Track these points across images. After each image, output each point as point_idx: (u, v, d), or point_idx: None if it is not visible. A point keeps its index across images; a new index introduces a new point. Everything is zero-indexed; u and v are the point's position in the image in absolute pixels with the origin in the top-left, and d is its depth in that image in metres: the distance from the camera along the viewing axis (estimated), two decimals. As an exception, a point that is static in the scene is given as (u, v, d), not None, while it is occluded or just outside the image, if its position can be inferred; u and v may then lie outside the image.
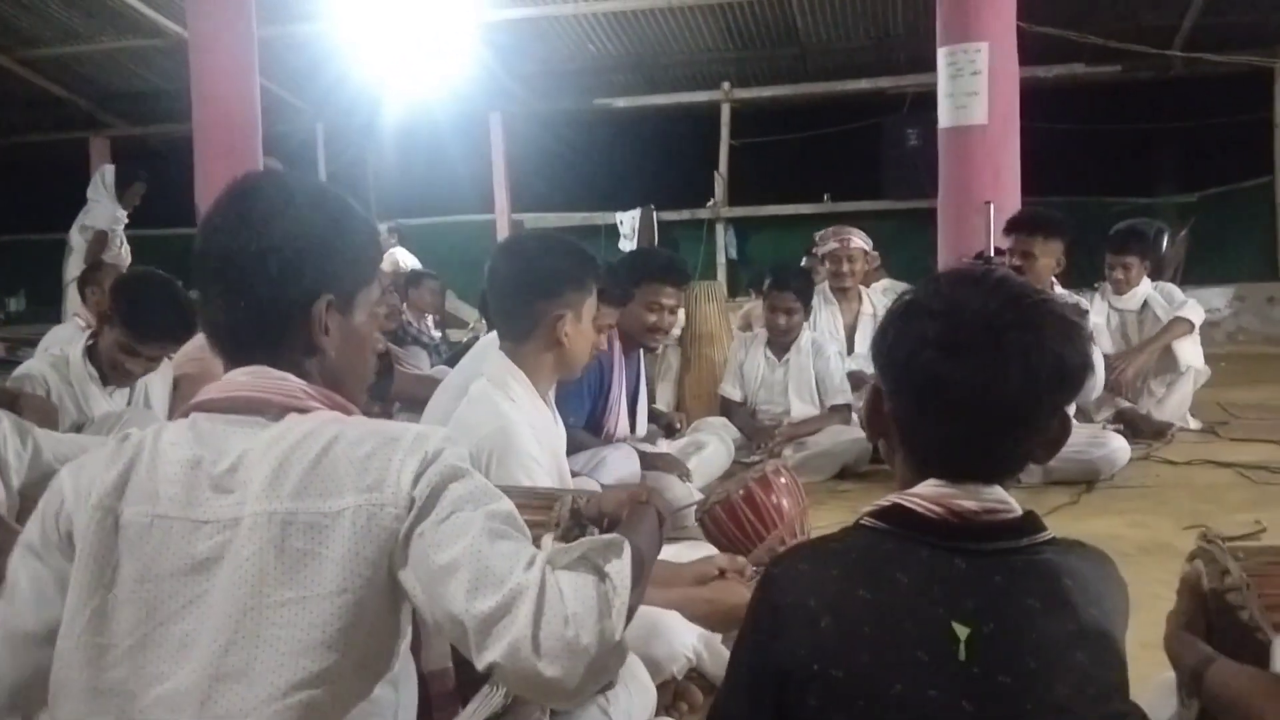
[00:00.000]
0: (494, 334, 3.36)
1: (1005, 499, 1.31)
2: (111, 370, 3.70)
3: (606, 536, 1.36)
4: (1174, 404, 5.80)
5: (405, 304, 7.31)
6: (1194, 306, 5.73)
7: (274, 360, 1.39)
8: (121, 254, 7.60)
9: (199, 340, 3.80)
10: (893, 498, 1.32)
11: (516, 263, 2.60)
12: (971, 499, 1.29)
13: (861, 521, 1.33)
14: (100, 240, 7.42)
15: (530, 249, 2.64)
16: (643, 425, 4.43)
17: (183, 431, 1.34)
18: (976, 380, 1.25)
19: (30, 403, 3.38)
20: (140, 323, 3.58)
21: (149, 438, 1.35)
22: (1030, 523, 1.32)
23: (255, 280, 1.36)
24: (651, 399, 5.45)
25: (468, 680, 1.63)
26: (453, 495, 1.28)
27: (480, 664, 1.23)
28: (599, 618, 1.24)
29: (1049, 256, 4.83)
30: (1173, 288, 5.97)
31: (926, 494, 1.30)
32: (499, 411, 2.45)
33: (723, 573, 2.31)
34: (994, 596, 1.24)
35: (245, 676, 1.22)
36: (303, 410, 1.35)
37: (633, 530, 1.48)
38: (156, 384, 3.95)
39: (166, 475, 1.30)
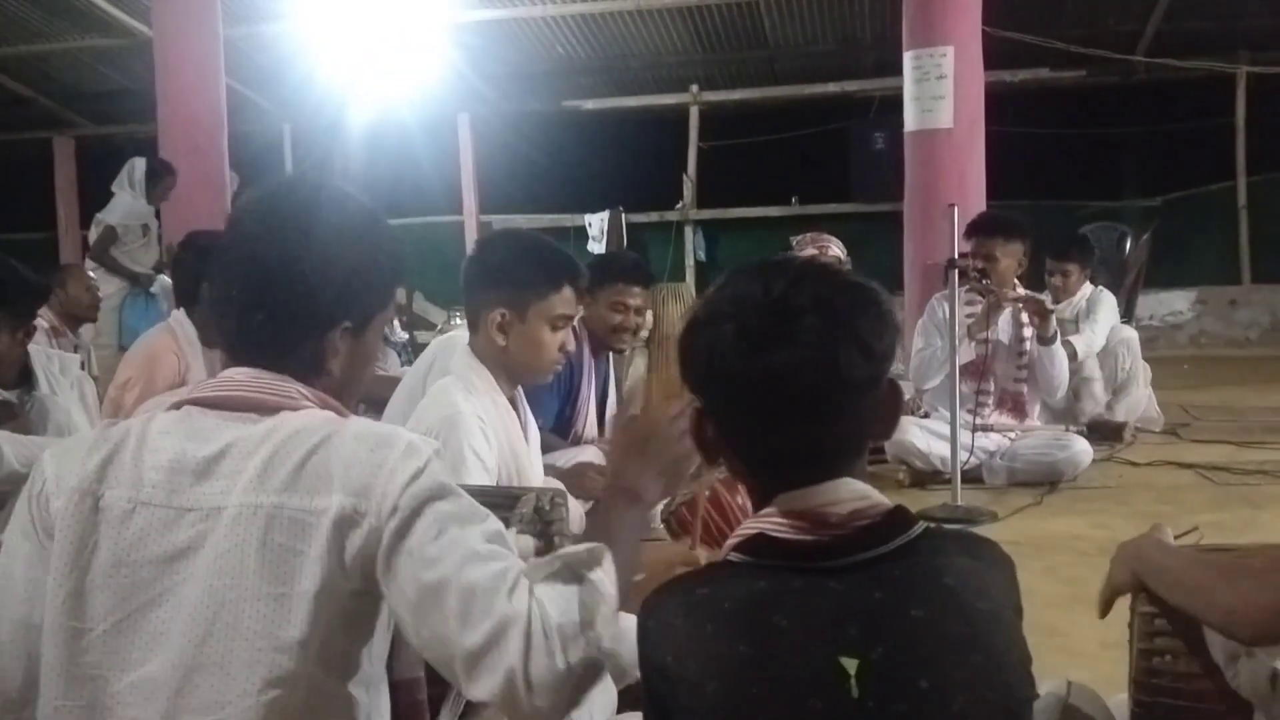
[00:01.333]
0: (445, 335, 3.38)
1: (865, 493, 1.23)
2: None
3: (586, 545, 1.34)
4: (1128, 405, 5.86)
5: None
6: (1089, 340, 5.75)
7: (278, 368, 1.38)
8: (147, 248, 7.38)
9: (147, 352, 3.73)
10: (752, 524, 1.24)
11: (479, 256, 2.65)
12: (825, 501, 1.21)
13: (729, 557, 1.25)
14: (109, 234, 7.18)
15: (496, 244, 2.68)
16: (607, 430, 4.42)
17: (173, 422, 1.34)
18: (781, 372, 1.18)
19: None
20: None
21: (138, 425, 1.35)
22: (899, 520, 1.23)
23: (278, 297, 1.36)
24: (618, 401, 5.45)
25: (437, 692, 1.62)
26: (441, 512, 1.26)
27: (469, 694, 1.24)
28: (583, 629, 1.22)
29: (1010, 258, 4.88)
30: (1104, 300, 5.95)
31: (782, 512, 1.22)
32: (450, 402, 2.46)
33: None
34: (876, 616, 1.16)
35: (221, 669, 1.22)
36: (295, 409, 1.35)
37: (612, 535, 1.45)
38: (67, 389, 3.82)
39: (153, 463, 1.29)
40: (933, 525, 1.27)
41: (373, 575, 1.26)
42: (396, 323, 8.64)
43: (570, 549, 1.35)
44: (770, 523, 1.22)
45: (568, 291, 2.62)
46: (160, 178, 7.28)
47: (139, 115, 10.69)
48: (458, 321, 8.28)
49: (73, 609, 1.26)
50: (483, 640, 1.20)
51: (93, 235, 7.29)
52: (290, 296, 1.36)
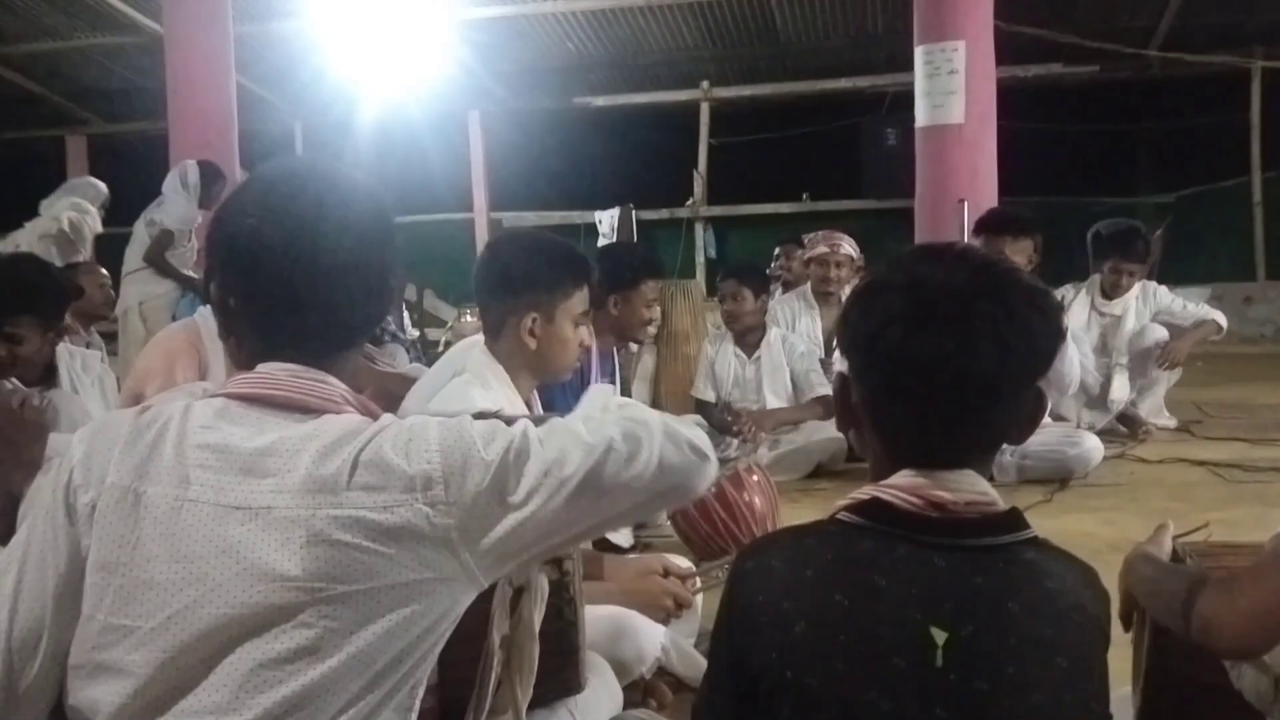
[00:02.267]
0: (468, 341, 3.36)
1: (986, 490, 1.26)
2: None
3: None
4: (1150, 403, 5.85)
5: None
6: (1215, 313, 5.78)
7: (325, 361, 1.36)
8: (189, 253, 7.36)
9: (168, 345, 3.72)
10: (869, 490, 1.27)
11: (495, 261, 2.61)
12: (947, 489, 1.24)
13: (838, 515, 1.28)
14: (166, 238, 7.14)
15: (510, 248, 2.64)
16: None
17: (214, 416, 1.31)
18: (945, 353, 1.20)
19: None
20: None
21: (175, 417, 1.31)
22: (1013, 519, 1.26)
23: (331, 297, 1.34)
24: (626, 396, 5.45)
25: (460, 695, 1.60)
26: (521, 445, 1.30)
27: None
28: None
29: (1019, 255, 4.83)
30: (1164, 292, 5.93)
31: (903, 485, 1.25)
32: (465, 397, 2.45)
33: (666, 572, 2.39)
34: (974, 599, 1.20)
35: (283, 665, 1.20)
36: (338, 413, 1.33)
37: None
38: (90, 388, 3.84)
39: (197, 460, 1.27)
40: (1044, 538, 1.29)
41: (468, 552, 1.27)
42: (407, 319, 8.65)
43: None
44: (888, 492, 1.24)
45: (585, 289, 2.64)
46: (214, 182, 7.25)
47: (151, 113, 10.75)
48: (469, 318, 8.28)
49: (121, 608, 1.24)
50: (657, 458, 1.32)
51: (140, 231, 7.23)
52: (344, 298, 1.35)
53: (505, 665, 1.56)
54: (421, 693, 1.33)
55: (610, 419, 1.37)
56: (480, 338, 2.70)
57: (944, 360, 1.21)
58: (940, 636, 1.17)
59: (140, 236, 7.14)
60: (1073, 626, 1.21)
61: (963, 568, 1.21)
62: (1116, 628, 1.38)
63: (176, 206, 7.10)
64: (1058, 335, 1.26)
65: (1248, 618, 1.38)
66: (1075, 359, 4.98)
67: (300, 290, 1.33)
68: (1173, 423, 5.89)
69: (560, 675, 1.79)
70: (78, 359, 3.83)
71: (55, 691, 1.30)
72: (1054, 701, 1.18)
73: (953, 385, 1.22)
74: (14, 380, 3.42)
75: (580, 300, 2.62)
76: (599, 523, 1.36)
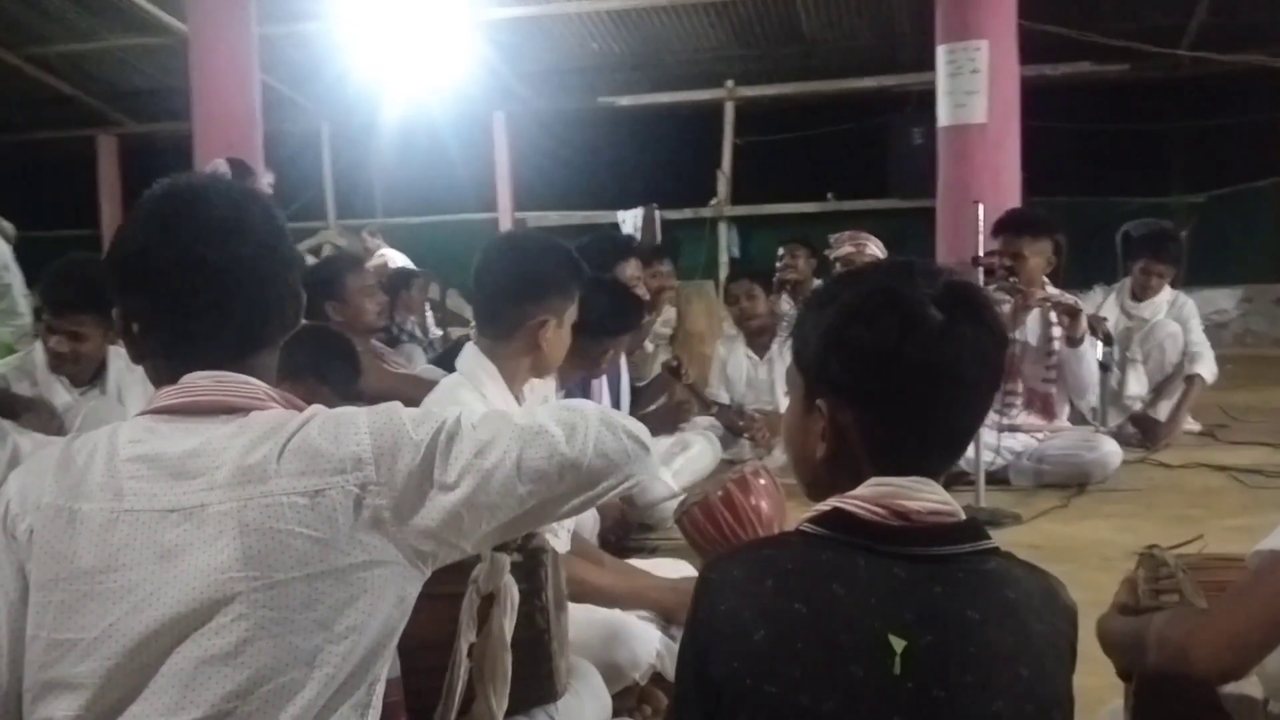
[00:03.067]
0: None
1: (948, 500, 1.28)
2: (54, 360, 3.61)
3: None
4: (1170, 404, 5.76)
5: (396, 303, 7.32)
6: (1208, 360, 5.68)
7: (244, 364, 1.38)
8: None
9: None
10: (832, 501, 1.28)
11: (507, 263, 2.59)
12: (911, 498, 1.25)
13: (801, 527, 1.29)
14: None
15: (522, 250, 2.63)
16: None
17: (141, 431, 1.33)
18: (948, 360, 1.24)
19: (29, 406, 3.38)
20: (51, 294, 3.53)
21: (104, 436, 1.34)
22: (973, 529, 1.28)
23: (244, 299, 1.36)
24: (632, 392, 5.44)
25: (428, 704, 1.60)
26: (454, 430, 1.32)
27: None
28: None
29: (1038, 256, 4.78)
30: (1193, 310, 5.83)
31: (866, 495, 1.26)
32: (457, 400, 2.45)
33: None
34: (933, 607, 1.21)
35: (233, 659, 1.21)
36: (264, 409, 1.34)
37: None
38: (135, 386, 3.89)
39: (129, 472, 1.29)
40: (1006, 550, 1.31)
41: (402, 535, 1.28)
42: (430, 318, 8.67)
43: None
44: (851, 502, 1.26)
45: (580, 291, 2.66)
46: (243, 180, 7.24)
47: (180, 113, 10.78)
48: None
49: (64, 622, 1.26)
50: (591, 444, 1.34)
51: None
52: (243, 306, 1.36)
53: (478, 675, 1.55)
54: (381, 690, 1.33)
55: (546, 408, 1.40)
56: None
57: (948, 368, 1.24)
58: (899, 645, 1.18)
59: None
60: (1034, 636, 1.22)
61: (923, 577, 1.22)
62: (1088, 643, 1.36)
63: None
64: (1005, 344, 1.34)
65: (1227, 639, 1.37)
66: (1094, 363, 4.91)
67: (198, 303, 1.34)
68: (1196, 427, 5.81)
69: (534, 683, 1.78)
70: (122, 358, 3.88)
71: None
72: (1015, 710, 1.18)
73: (958, 389, 1.26)
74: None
75: (576, 303, 2.63)
76: (538, 507, 1.35)
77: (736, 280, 5.45)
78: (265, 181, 8.09)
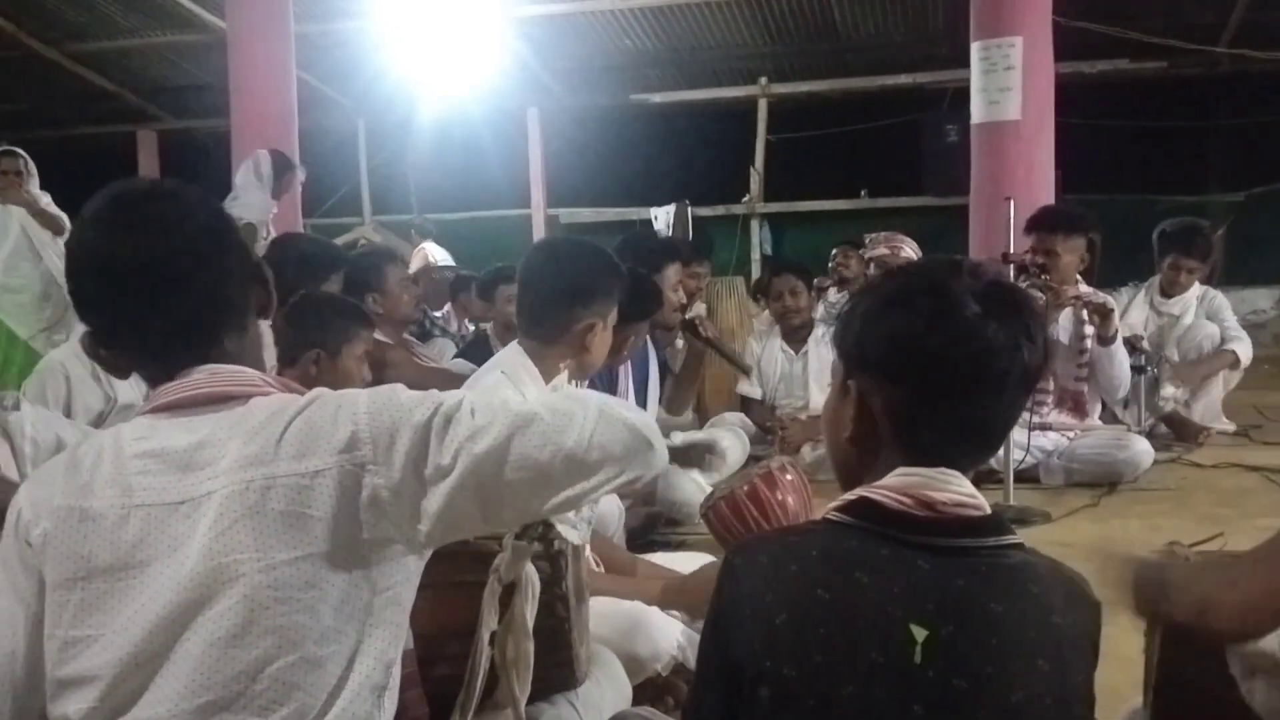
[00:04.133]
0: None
1: (975, 494, 1.28)
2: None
3: None
4: (1205, 405, 5.71)
5: (451, 304, 7.38)
6: (1246, 343, 5.63)
7: (220, 356, 1.40)
8: (264, 246, 7.33)
9: None
10: (859, 490, 1.29)
11: (556, 267, 2.64)
12: (938, 489, 1.26)
13: (827, 515, 1.31)
14: (250, 232, 7.10)
15: (567, 257, 2.68)
16: (652, 411, 4.42)
17: (145, 429, 1.36)
18: (987, 350, 1.25)
19: None
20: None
21: (108, 437, 1.37)
22: (997, 523, 1.29)
23: (207, 279, 1.39)
24: (661, 386, 5.45)
25: (449, 691, 1.62)
26: (456, 403, 1.33)
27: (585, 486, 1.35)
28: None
29: (1072, 254, 4.75)
30: (1224, 303, 5.79)
31: (893, 484, 1.27)
32: (499, 396, 2.48)
33: None
34: (956, 598, 1.22)
35: (241, 640, 1.23)
36: (265, 395, 1.37)
37: None
38: None
39: (137, 468, 1.31)
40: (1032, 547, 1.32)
41: (401, 515, 1.30)
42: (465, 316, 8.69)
43: None
44: (878, 492, 1.26)
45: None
46: (284, 172, 7.27)
47: (219, 110, 10.90)
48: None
49: (83, 619, 1.28)
50: (587, 435, 1.32)
51: None
52: (223, 289, 1.40)
53: (500, 662, 1.58)
54: (397, 673, 1.35)
55: (546, 397, 1.43)
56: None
57: (987, 357, 1.25)
58: (920, 634, 1.19)
59: None
60: (1056, 630, 1.23)
61: (946, 568, 1.23)
62: (1112, 641, 1.36)
63: (254, 198, 7.07)
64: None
65: (1248, 599, 1.37)
66: (1125, 363, 4.88)
67: (150, 300, 1.37)
68: (1231, 427, 5.75)
69: (555, 671, 1.81)
70: None
71: None
72: (1034, 702, 1.19)
73: (999, 378, 1.27)
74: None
75: (617, 304, 2.68)
76: (530, 495, 1.34)
77: (781, 275, 5.43)
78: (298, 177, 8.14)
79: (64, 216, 6.40)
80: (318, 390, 1.38)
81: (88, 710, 1.27)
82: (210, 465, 1.29)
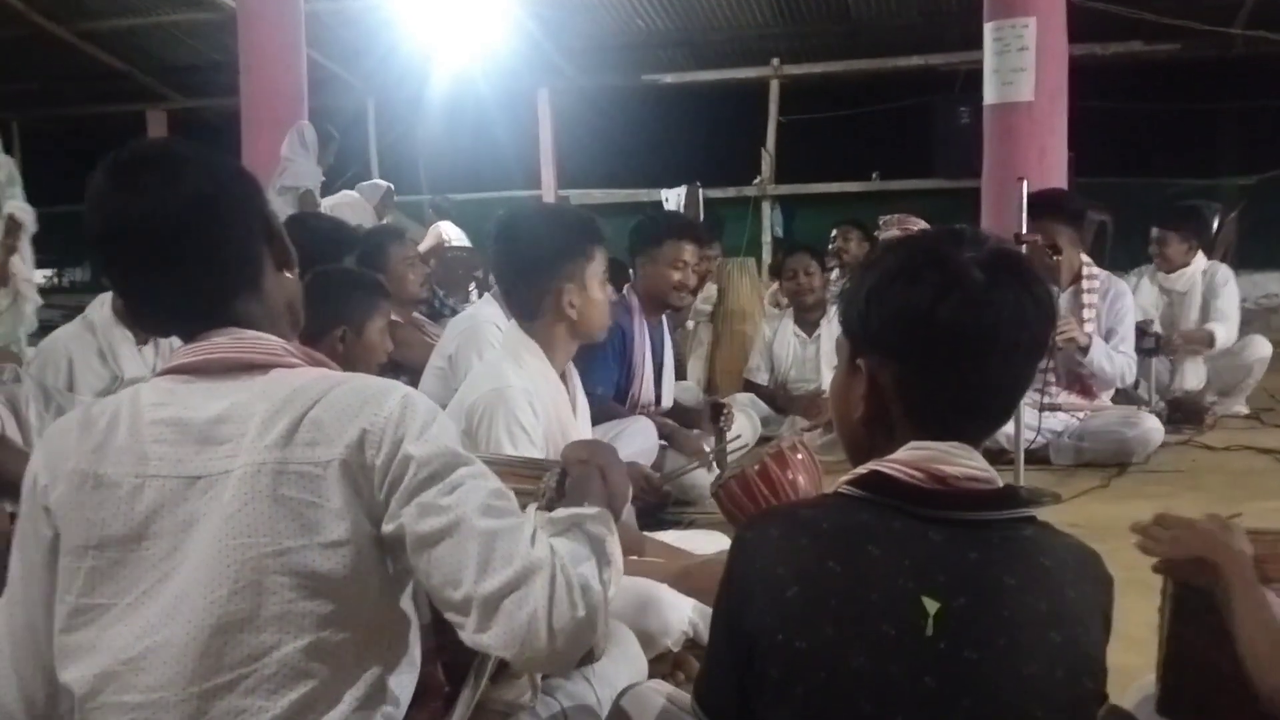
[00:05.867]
0: (463, 316, 3.39)
1: (987, 468, 1.29)
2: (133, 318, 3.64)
3: (593, 509, 1.39)
4: (1218, 391, 5.71)
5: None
6: (1228, 325, 5.62)
7: (237, 318, 1.38)
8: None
9: None
10: (871, 464, 1.30)
11: (509, 245, 2.63)
12: (950, 463, 1.26)
13: (838, 489, 1.31)
14: (309, 199, 7.10)
15: (520, 229, 2.64)
16: (669, 397, 4.42)
17: (164, 393, 1.34)
18: (995, 321, 1.25)
19: None
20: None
21: (126, 399, 1.35)
22: (1010, 496, 1.29)
23: (204, 240, 1.36)
24: (683, 376, 5.45)
25: (461, 659, 1.63)
26: (450, 464, 1.29)
27: (477, 638, 1.26)
28: (600, 591, 1.29)
29: (1060, 238, 4.74)
30: (1224, 279, 5.78)
31: (904, 458, 1.27)
32: (500, 374, 2.51)
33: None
34: (967, 571, 1.22)
35: (250, 625, 1.23)
36: (288, 367, 1.36)
37: (589, 497, 1.48)
38: None
39: (153, 435, 1.30)
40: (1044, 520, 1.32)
41: (380, 522, 1.29)
42: (474, 293, 8.69)
43: (577, 509, 1.39)
44: (890, 465, 1.27)
45: (602, 246, 2.67)
46: (329, 142, 7.34)
47: (228, 88, 10.88)
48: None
49: (96, 587, 1.28)
50: (503, 585, 1.24)
51: (279, 205, 7.24)
52: (222, 250, 1.37)
53: None
54: (416, 655, 1.36)
55: (564, 542, 1.35)
56: (479, 315, 2.72)
57: (996, 329, 1.25)
58: (932, 606, 1.19)
59: (279, 207, 7.20)
60: (1068, 603, 1.23)
61: (958, 541, 1.23)
62: (1122, 619, 1.36)
63: (304, 166, 7.12)
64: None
65: None
66: (1109, 365, 4.82)
67: (158, 259, 1.35)
68: (1244, 409, 5.75)
69: None
70: None
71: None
72: (1046, 674, 1.19)
73: (1009, 349, 1.27)
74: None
75: (601, 259, 2.65)
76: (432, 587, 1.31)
77: (795, 254, 5.42)
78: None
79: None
80: (347, 375, 1.36)
81: (91, 679, 1.26)
82: (230, 442, 1.28)
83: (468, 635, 1.27)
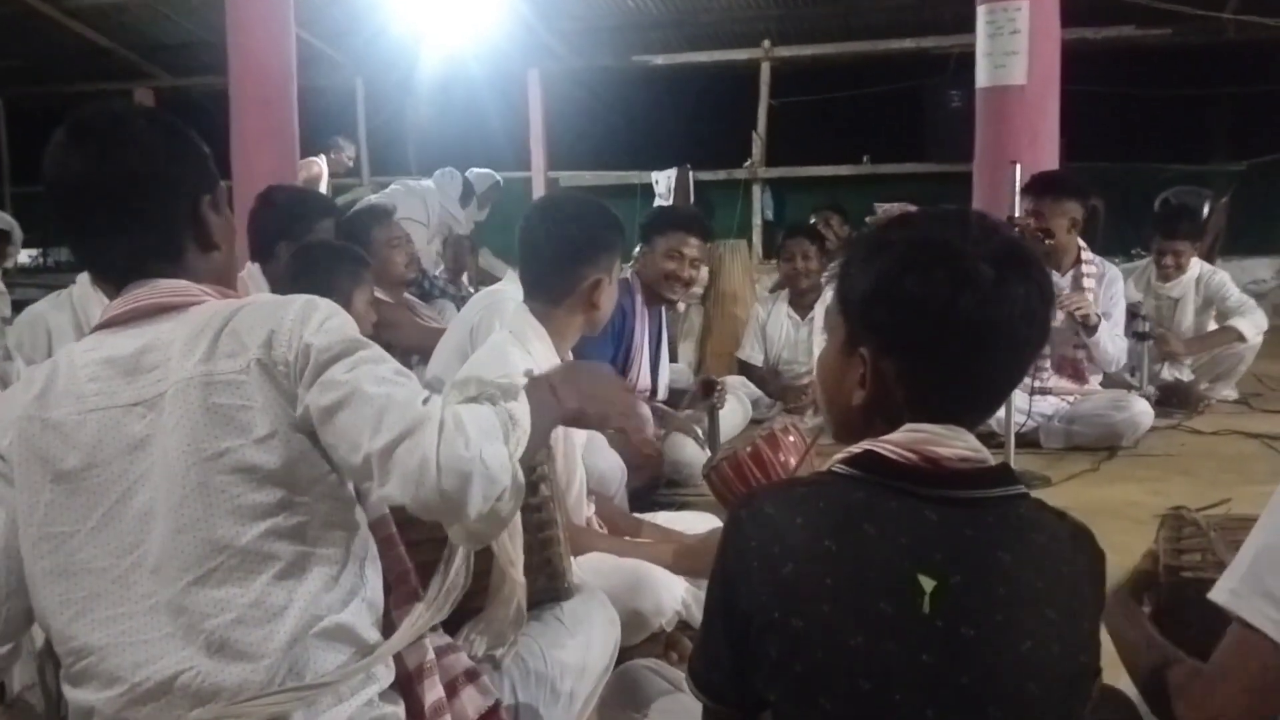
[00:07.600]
0: (489, 290, 3.36)
1: (979, 448, 1.29)
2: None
3: (504, 381, 1.47)
4: (1211, 376, 5.72)
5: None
6: (1251, 316, 5.60)
7: (176, 272, 1.50)
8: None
9: None
10: (865, 444, 1.30)
11: (556, 227, 2.61)
12: (947, 444, 1.27)
13: (832, 468, 1.31)
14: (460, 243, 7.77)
15: (570, 213, 2.65)
16: (664, 386, 4.42)
17: (93, 343, 1.47)
18: (1002, 314, 1.25)
19: None
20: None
21: (61, 355, 1.49)
22: (1004, 474, 1.30)
23: (152, 199, 1.48)
24: (674, 358, 5.44)
25: (428, 558, 1.65)
26: (350, 348, 1.40)
27: (382, 493, 1.34)
28: (496, 441, 1.35)
29: (1061, 217, 4.75)
30: (1223, 281, 5.78)
31: (899, 440, 1.28)
32: (505, 358, 2.48)
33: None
34: (963, 549, 1.23)
35: (205, 523, 1.34)
36: (201, 303, 1.48)
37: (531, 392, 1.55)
38: None
39: (88, 375, 1.42)
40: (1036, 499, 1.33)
41: (297, 407, 1.40)
42: (465, 276, 8.68)
43: (487, 379, 1.47)
44: (883, 446, 1.28)
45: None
46: (483, 195, 7.79)
47: (216, 67, 10.80)
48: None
49: (56, 517, 1.39)
50: (396, 436, 1.33)
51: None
52: (158, 190, 1.49)
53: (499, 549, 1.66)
54: (371, 543, 1.48)
55: (465, 405, 1.42)
56: (504, 292, 2.70)
57: (1002, 322, 1.25)
58: (929, 584, 1.20)
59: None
60: (1063, 580, 1.24)
61: (953, 519, 1.24)
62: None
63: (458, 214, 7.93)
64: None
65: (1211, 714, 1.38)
66: (1112, 345, 4.84)
67: (99, 219, 1.49)
68: (1233, 394, 5.77)
69: (545, 581, 1.90)
70: None
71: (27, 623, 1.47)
72: (1042, 651, 1.20)
73: (1014, 341, 1.28)
74: None
75: (620, 256, 2.69)
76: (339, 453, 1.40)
77: (794, 236, 5.41)
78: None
79: None
80: (258, 295, 1.49)
81: (63, 602, 1.38)
82: (157, 369, 1.40)
83: (375, 494, 1.39)
